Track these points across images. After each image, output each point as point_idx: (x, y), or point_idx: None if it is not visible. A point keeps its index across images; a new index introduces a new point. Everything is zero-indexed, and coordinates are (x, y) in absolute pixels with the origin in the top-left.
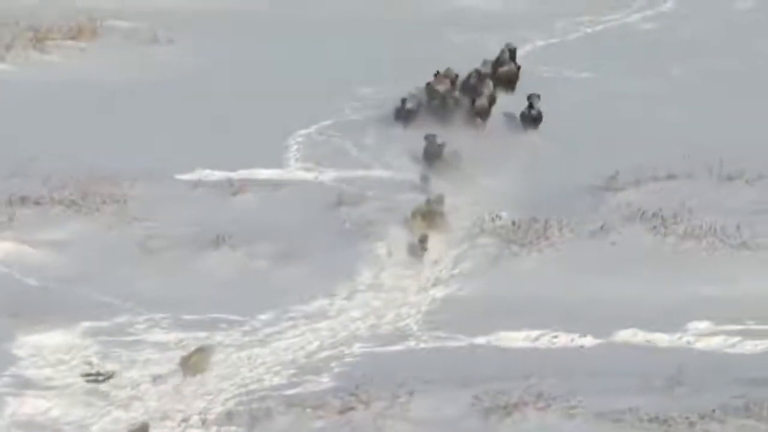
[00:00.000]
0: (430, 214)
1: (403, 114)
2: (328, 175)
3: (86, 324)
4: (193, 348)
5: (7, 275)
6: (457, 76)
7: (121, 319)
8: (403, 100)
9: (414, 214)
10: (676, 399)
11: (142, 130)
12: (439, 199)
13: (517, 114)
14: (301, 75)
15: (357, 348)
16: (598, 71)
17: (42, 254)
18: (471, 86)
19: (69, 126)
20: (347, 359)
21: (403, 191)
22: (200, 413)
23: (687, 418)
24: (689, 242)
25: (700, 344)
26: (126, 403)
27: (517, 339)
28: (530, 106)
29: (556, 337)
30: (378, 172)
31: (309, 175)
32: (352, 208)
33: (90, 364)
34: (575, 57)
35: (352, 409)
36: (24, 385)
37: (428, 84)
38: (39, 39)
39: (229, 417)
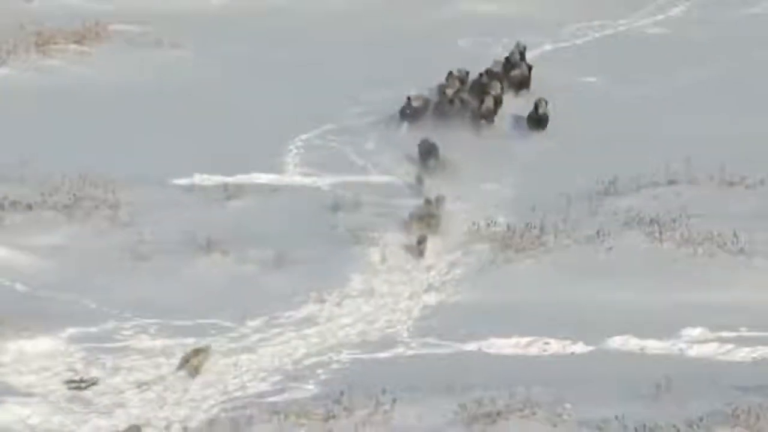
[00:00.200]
0: (427, 217)
1: (409, 113)
2: (326, 180)
3: (72, 330)
4: (185, 352)
5: None
6: (467, 74)
7: (109, 325)
8: (409, 99)
9: (412, 217)
10: (663, 407)
11: (141, 135)
12: (439, 201)
13: (525, 116)
14: (304, 79)
15: (345, 355)
16: (605, 76)
17: (31, 259)
18: (479, 87)
19: (66, 130)
20: (334, 366)
21: (401, 197)
22: (182, 421)
23: (673, 426)
24: (686, 248)
25: (693, 351)
26: (108, 410)
27: (507, 346)
28: (536, 107)
29: (547, 343)
30: (376, 178)
31: (306, 180)
32: (348, 213)
33: (74, 370)
34: (582, 61)
35: (334, 416)
36: (5, 391)
37: (440, 85)
38: (41, 43)
39: (210, 425)
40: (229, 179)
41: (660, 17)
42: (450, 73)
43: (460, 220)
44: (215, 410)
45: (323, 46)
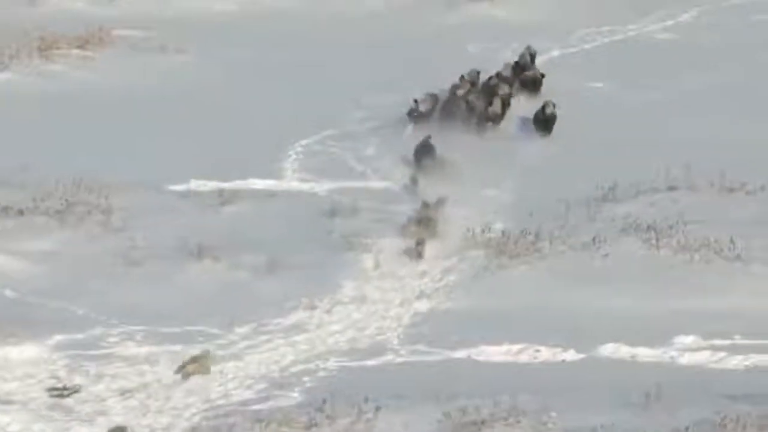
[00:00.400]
0: (426, 220)
1: (416, 115)
2: (324, 186)
3: (59, 337)
4: (183, 359)
5: None
6: (479, 76)
7: (95, 331)
8: (416, 102)
9: (410, 220)
10: (652, 415)
11: (140, 140)
12: (439, 204)
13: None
14: (307, 84)
15: (332, 362)
16: (612, 81)
17: (22, 265)
18: (488, 89)
19: (65, 135)
20: (320, 374)
21: (398, 202)
22: (164, 429)
23: None
24: (683, 255)
25: (684, 359)
26: (89, 418)
27: (497, 353)
28: (543, 109)
29: (538, 351)
30: (374, 183)
31: (304, 186)
32: (343, 219)
33: (56, 378)
34: (590, 67)
35: (316, 425)
36: None
37: (453, 85)
38: (44, 48)
39: None
40: (226, 185)
41: (669, 23)
42: (462, 76)
43: (456, 224)
44: (197, 418)
45: (327, 50)
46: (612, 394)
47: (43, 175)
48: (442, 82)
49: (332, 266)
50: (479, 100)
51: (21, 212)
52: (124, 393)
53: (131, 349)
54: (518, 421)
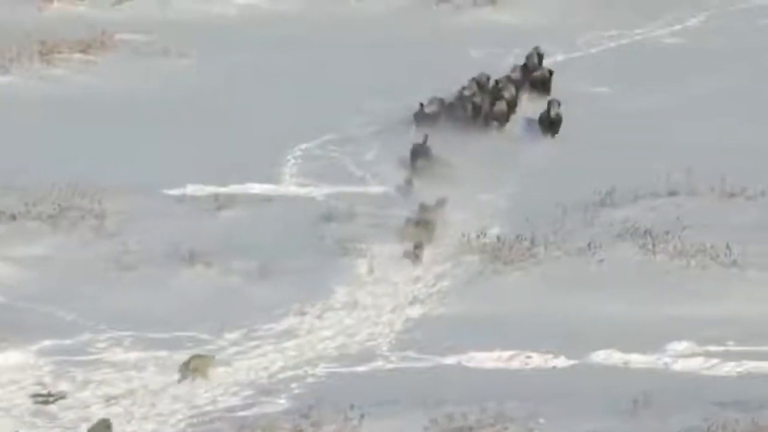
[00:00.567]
0: (424, 223)
1: (422, 117)
2: (321, 191)
3: (46, 343)
4: (182, 362)
5: None
6: (488, 79)
7: (83, 337)
8: (422, 104)
9: (408, 222)
10: (641, 422)
11: (139, 144)
12: (438, 206)
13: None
14: (309, 88)
15: (321, 368)
16: (616, 86)
17: (13, 270)
18: (495, 91)
19: (62, 139)
20: (309, 380)
21: (395, 207)
22: None
23: None
24: (679, 260)
25: (677, 365)
26: (73, 425)
27: (488, 360)
28: (548, 110)
29: (529, 357)
30: (372, 188)
31: (301, 191)
32: (339, 224)
33: (42, 384)
34: (594, 71)
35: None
36: None
37: (463, 87)
38: (46, 52)
39: None
40: (223, 189)
41: (677, 27)
42: (473, 78)
43: (452, 229)
44: (182, 425)
45: (329, 54)
46: (602, 401)
47: (38, 179)
48: (445, 86)
49: (326, 271)
50: (485, 101)
51: (13, 217)
52: (109, 399)
53: (119, 355)
54: (505, 428)
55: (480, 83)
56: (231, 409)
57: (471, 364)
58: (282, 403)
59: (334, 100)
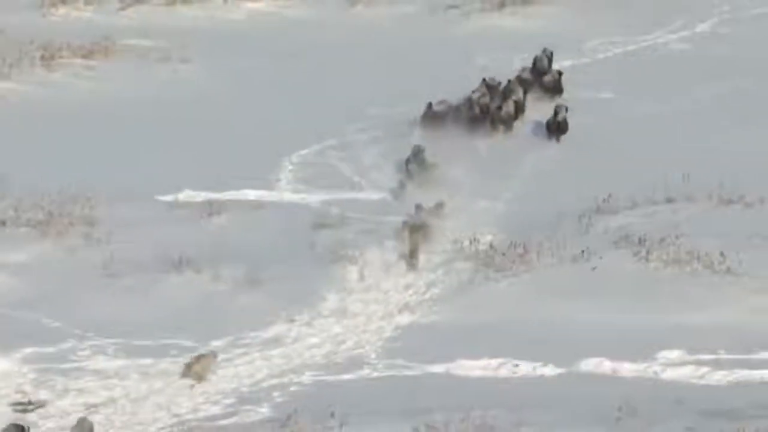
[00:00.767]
0: (418, 226)
1: (429, 117)
2: (317, 197)
3: (28, 350)
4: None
5: None
6: (499, 83)
7: (67, 345)
8: (430, 104)
9: (405, 225)
10: (624, 431)
11: (135, 150)
12: (437, 209)
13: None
14: (312, 94)
15: (306, 376)
16: (621, 92)
17: (1, 277)
18: (503, 93)
19: (56, 145)
20: (293, 388)
21: (389, 213)
22: None
23: None
24: (672, 268)
25: (666, 374)
26: None
27: (476, 368)
28: (555, 113)
29: (517, 365)
30: (368, 194)
31: (296, 197)
32: (332, 230)
33: (22, 392)
34: (600, 78)
35: None
36: None
37: (474, 91)
38: (48, 57)
39: None
40: (217, 195)
41: (684, 33)
42: (484, 81)
43: (446, 235)
44: None
45: (335, 60)
46: (588, 410)
47: (30, 185)
48: (449, 92)
49: (316, 278)
50: (493, 103)
51: (3, 223)
52: (89, 408)
53: (102, 362)
54: None
55: (489, 85)
56: (212, 418)
57: (458, 372)
58: (264, 411)
59: (336, 106)
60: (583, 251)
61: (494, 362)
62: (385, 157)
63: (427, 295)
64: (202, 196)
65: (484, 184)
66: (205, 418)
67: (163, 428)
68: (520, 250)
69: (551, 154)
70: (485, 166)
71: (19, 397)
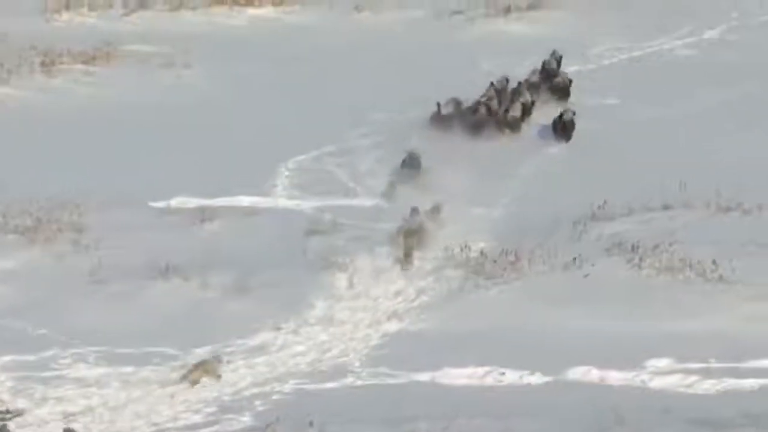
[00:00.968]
0: (413, 229)
1: (438, 119)
2: (311, 203)
3: (8, 358)
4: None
5: None
6: (507, 83)
7: (49, 353)
8: (439, 106)
9: (400, 230)
10: None
11: (130, 156)
12: (433, 212)
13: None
14: (314, 100)
15: (290, 385)
16: (625, 98)
17: None
18: (511, 96)
19: (51, 151)
20: (275, 397)
21: (382, 221)
22: None
23: None
24: (665, 276)
25: (655, 383)
26: None
27: (462, 376)
28: (561, 115)
29: (503, 374)
30: (362, 201)
31: (290, 203)
32: (324, 237)
33: (0, 401)
34: (605, 84)
35: None
36: None
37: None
38: (47, 63)
39: None
40: (210, 202)
41: (691, 40)
42: (492, 84)
43: (439, 241)
44: None
45: (340, 66)
46: (574, 419)
47: (22, 191)
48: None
49: (305, 286)
50: (500, 106)
51: None
52: (67, 416)
53: (82, 371)
54: None
55: (498, 88)
56: (192, 427)
57: (444, 381)
58: (245, 420)
59: (339, 111)
60: (575, 258)
61: (481, 370)
62: (383, 163)
63: (416, 303)
64: (195, 202)
65: (481, 189)
66: (185, 427)
67: None
68: (511, 258)
69: (553, 159)
70: (485, 170)
71: None
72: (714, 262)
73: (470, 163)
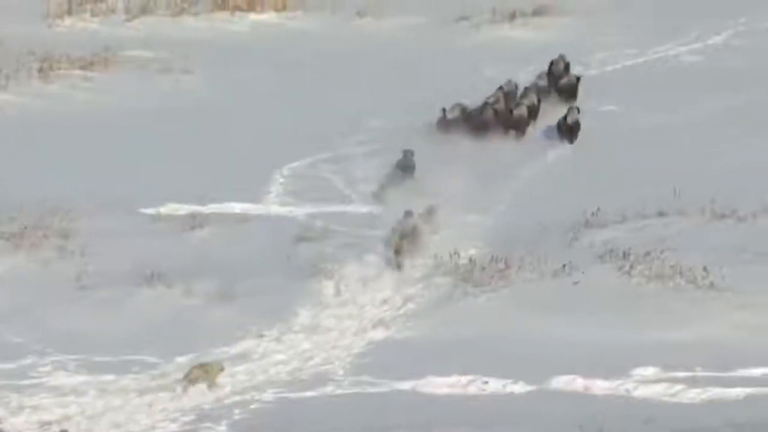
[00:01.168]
0: (406, 232)
1: (444, 124)
2: (303, 210)
3: None
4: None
5: None
6: (516, 87)
7: (27, 360)
8: (444, 110)
9: (394, 231)
10: None
11: (124, 162)
12: (429, 214)
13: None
14: (313, 106)
15: (269, 394)
16: (628, 104)
17: None
18: (516, 98)
19: (44, 157)
20: (253, 406)
21: (374, 227)
22: None
23: None
24: (655, 283)
25: (639, 392)
26: None
27: (445, 385)
28: (566, 116)
29: (486, 383)
30: (356, 207)
31: (282, 210)
32: (314, 244)
33: None
34: (608, 90)
35: None
36: None
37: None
38: (45, 69)
39: None
40: (202, 208)
41: (697, 45)
42: (500, 87)
43: (429, 248)
44: None
45: (342, 72)
46: (556, 428)
47: (11, 197)
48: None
49: (291, 293)
50: (507, 108)
51: None
52: (43, 425)
53: (61, 379)
54: None
55: (506, 90)
56: None
57: (426, 390)
58: (222, 429)
59: (337, 118)
60: (564, 265)
61: (464, 379)
62: (379, 170)
63: (403, 311)
64: (187, 208)
65: (476, 194)
66: None
67: None
68: (501, 265)
69: (553, 165)
70: (482, 174)
71: None
72: (705, 269)
73: (468, 167)
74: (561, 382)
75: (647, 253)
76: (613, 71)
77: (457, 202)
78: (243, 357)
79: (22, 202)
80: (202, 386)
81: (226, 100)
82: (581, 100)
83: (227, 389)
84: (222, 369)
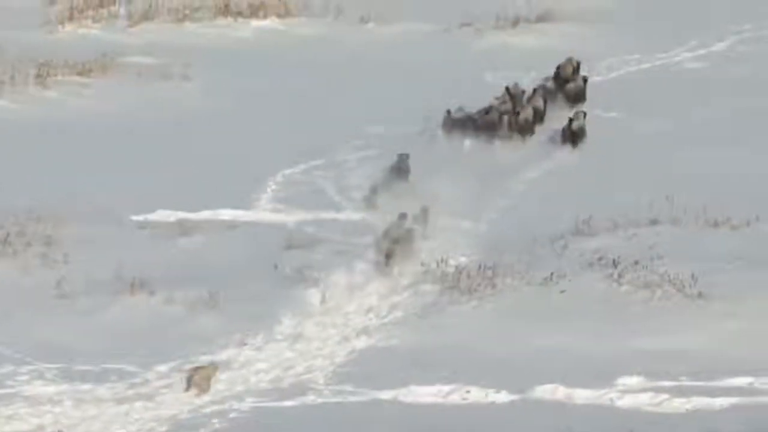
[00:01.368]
0: (398, 238)
1: (449, 125)
2: (294, 217)
3: None
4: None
5: None
6: (523, 92)
7: (5, 369)
8: (449, 111)
9: (386, 234)
10: None
11: (117, 169)
12: (423, 214)
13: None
14: (312, 113)
15: (248, 403)
16: (628, 111)
17: None
18: (522, 101)
19: (38, 164)
20: (232, 415)
21: (364, 234)
22: None
23: None
24: (644, 292)
25: (623, 401)
26: None
27: (427, 394)
28: (570, 121)
29: (468, 392)
30: (347, 215)
31: (273, 217)
32: (301, 251)
33: None
34: (611, 97)
35: None
36: None
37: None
38: (42, 75)
39: None
40: (191, 215)
41: (701, 52)
42: (507, 89)
43: (418, 256)
44: None
45: (344, 79)
46: None
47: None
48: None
49: (276, 301)
50: (512, 112)
51: None
52: None
53: (38, 388)
54: None
55: (512, 93)
56: None
57: (407, 399)
58: None
59: (336, 124)
60: (552, 274)
61: (446, 388)
62: (373, 177)
63: (388, 319)
64: (176, 215)
65: (470, 200)
66: None
67: None
68: (489, 273)
69: (551, 171)
70: (479, 179)
71: None
72: (693, 277)
73: (467, 170)
74: (543, 391)
75: (636, 262)
76: (617, 77)
77: (451, 208)
78: (224, 365)
79: (8, 209)
80: (203, 387)
81: (225, 107)
82: (585, 106)
83: (206, 398)
84: (217, 368)
